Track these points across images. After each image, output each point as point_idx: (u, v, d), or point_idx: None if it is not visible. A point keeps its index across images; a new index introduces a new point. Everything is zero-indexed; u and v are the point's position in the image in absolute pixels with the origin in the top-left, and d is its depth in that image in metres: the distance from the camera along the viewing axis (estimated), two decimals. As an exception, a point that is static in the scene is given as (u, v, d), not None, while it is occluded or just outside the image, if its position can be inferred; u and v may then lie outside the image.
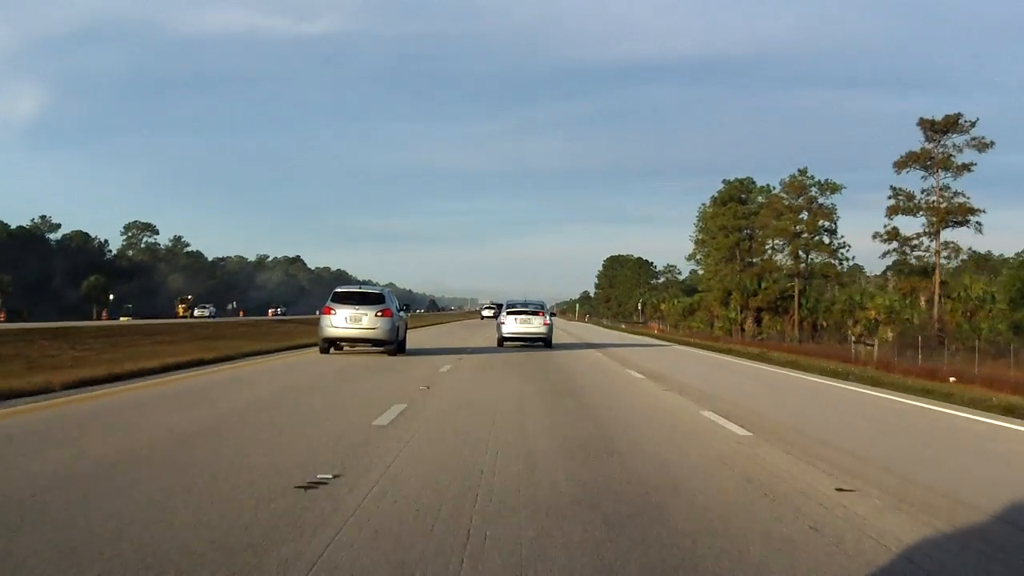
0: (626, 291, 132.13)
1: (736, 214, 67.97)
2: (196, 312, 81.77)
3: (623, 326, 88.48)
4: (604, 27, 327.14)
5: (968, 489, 6.17)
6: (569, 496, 5.33)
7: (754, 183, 69.81)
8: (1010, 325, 40.77)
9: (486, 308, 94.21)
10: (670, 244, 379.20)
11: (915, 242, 44.09)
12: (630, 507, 5.08)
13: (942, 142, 42.90)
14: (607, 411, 10.60)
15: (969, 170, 42.54)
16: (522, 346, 28.23)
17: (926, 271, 43.90)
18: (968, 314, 43.50)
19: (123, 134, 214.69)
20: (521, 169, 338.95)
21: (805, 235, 56.07)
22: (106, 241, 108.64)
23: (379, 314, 20.86)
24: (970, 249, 46.45)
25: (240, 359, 18.93)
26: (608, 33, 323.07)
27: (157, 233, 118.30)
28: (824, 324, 53.14)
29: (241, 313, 76.35)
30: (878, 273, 75.87)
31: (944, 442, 9.39)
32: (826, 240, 56.01)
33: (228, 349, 21.07)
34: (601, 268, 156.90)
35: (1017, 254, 72.52)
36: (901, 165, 43.94)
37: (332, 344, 21.46)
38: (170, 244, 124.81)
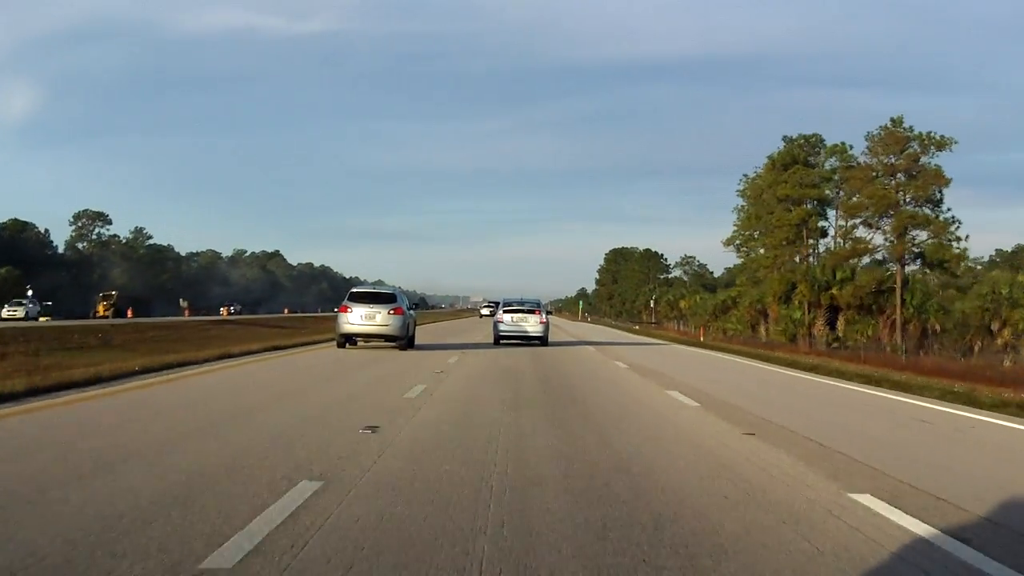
0: (633, 287, 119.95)
1: (803, 180, 53.19)
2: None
3: (636, 327, 76.78)
4: (602, 26, 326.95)
5: None
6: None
7: (823, 141, 56.05)
8: None
9: (484, 306, 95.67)
10: (670, 244, 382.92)
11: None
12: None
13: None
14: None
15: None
16: (520, 344, 28.47)
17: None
18: None
19: (119, 134, 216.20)
20: (517, 168, 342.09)
21: (910, 207, 42.80)
22: (47, 231, 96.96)
23: (391, 312, 23.20)
24: None
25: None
26: (606, 32, 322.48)
27: (110, 223, 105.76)
28: (938, 328, 40.70)
29: (187, 312, 64.04)
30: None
31: None
32: (930, 213, 43.02)
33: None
34: (603, 263, 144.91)
35: None
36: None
37: (348, 339, 23.77)
38: (130, 236, 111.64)
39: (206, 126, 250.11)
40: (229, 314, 72.04)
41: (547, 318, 29.79)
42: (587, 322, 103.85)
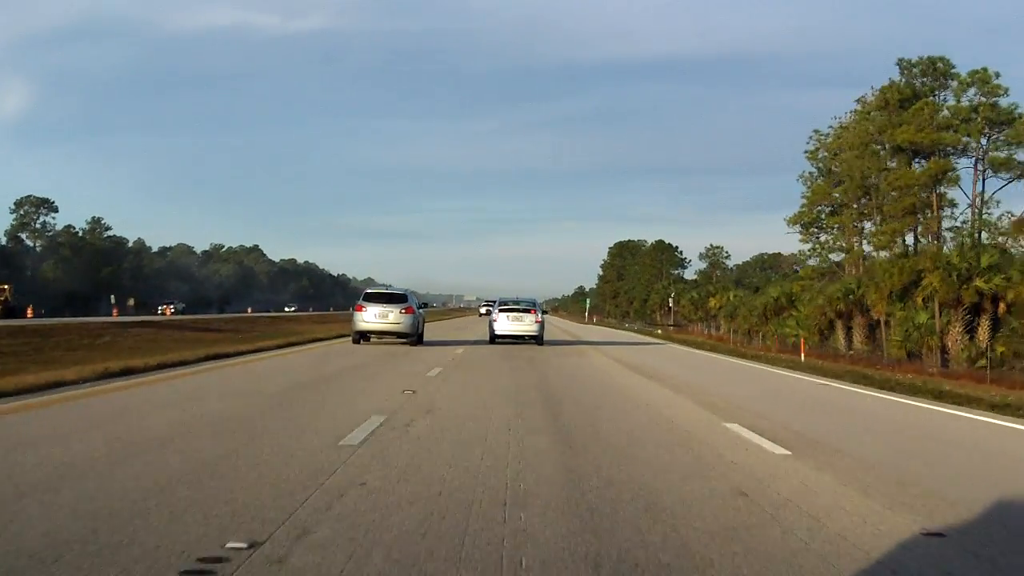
0: (643, 284, 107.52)
1: (933, 121, 38.00)
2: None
3: (658, 331, 64.66)
4: (601, 25, 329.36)
5: None
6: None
7: (953, 68, 40.24)
8: None
9: (483, 306, 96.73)
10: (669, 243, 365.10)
11: None
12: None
13: None
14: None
15: None
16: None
17: None
18: None
19: (116, 133, 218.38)
20: (513, 167, 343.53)
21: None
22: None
23: (403, 311, 25.28)
24: None
25: None
26: (605, 31, 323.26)
27: (56, 211, 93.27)
28: None
29: (116, 312, 52.34)
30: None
31: None
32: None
33: None
34: (606, 257, 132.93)
35: None
36: None
37: (363, 336, 25.89)
38: (86, 227, 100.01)
39: (201, 124, 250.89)
40: (171, 314, 65.34)
41: (542, 317, 30.21)
42: (592, 323, 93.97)
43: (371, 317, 25.01)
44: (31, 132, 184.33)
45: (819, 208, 45.04)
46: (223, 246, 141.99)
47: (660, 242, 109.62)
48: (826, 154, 45.84)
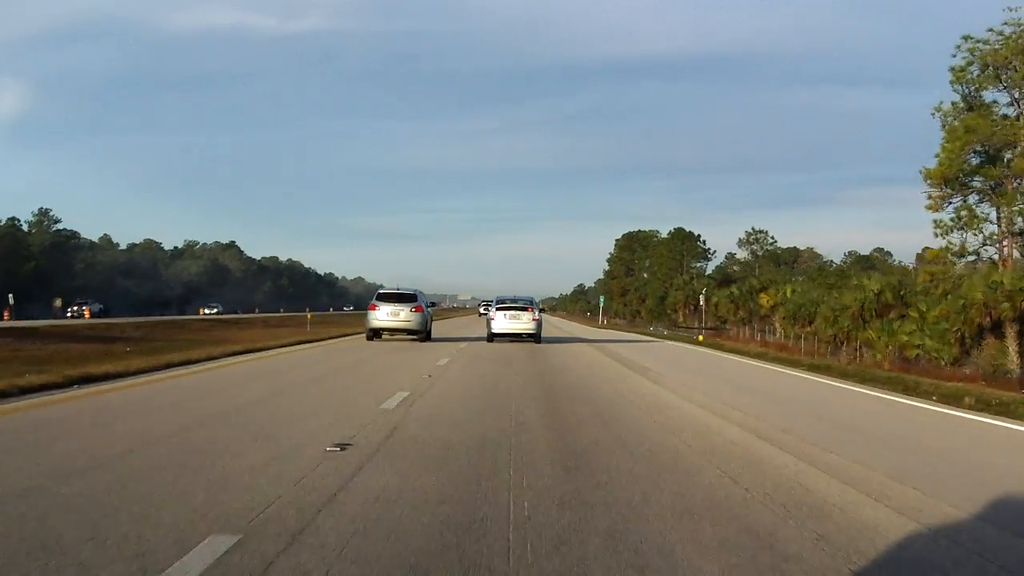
0: (660, 279, 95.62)
1: None
2: None
3: (700, 337, 50.68)
4: (599, 24, 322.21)
5: None
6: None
7: None
8: None
9: (482, 305, 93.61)
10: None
11: None
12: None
13: None
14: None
15: None
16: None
17: None
18: None
19: (114, 133, 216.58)
20: (510, 166, 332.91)
21: None
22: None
23: (413, 310, 27.21)
24: None
25: None
26: (603, 30, 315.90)
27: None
28: None
29: (7, 315, 43.65)
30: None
31: None
32: None
33: None
34: (613, 251, 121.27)
35: None
36: None
37: (376, 333, 27.89)
38: (32, 219, 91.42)
39: (197, 124, 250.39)
40: (90, 316, 58.74)
41: (540, 315, 30.54)
42: (605, 327, 72.31)
43: (384, 315, 27.15)
44: (29, 132, 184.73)
45: (969, 158, 30.87)
46: (197, 242, 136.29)
47: (680, 230, 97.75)
48: (990, 67, 30.43)
